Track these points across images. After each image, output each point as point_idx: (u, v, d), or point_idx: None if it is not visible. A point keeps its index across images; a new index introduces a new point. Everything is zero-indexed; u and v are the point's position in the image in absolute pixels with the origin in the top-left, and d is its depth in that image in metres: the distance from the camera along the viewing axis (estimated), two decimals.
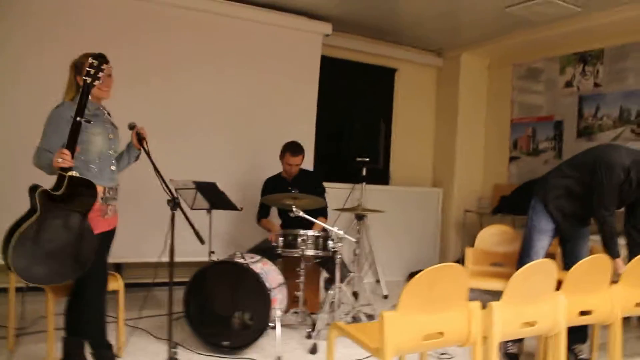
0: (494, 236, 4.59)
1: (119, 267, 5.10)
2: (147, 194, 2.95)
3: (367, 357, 3.45)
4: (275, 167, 5.19)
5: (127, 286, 5.10)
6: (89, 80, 2.70)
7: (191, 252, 4.31)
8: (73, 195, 2.67)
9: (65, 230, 2.67)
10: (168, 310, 2.93)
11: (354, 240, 4.16)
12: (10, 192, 3.39)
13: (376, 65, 6.70)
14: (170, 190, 2.92)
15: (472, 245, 6.35)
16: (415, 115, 6.99)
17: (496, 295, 2.63)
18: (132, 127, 3.09)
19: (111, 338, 3.35)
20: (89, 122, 2.77)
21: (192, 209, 4.20)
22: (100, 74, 2.74)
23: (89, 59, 2.72)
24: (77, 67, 2.89)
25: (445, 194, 6.79)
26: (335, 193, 5.96)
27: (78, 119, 2.66)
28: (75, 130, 2.66)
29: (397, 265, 6.43)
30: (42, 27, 4.51)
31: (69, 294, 3.02)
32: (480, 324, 2.49)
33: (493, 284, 4.15)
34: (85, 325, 3.01)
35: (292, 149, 4.56)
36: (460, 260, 6.22)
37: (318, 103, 5.89)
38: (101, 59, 2.74)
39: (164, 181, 2.93)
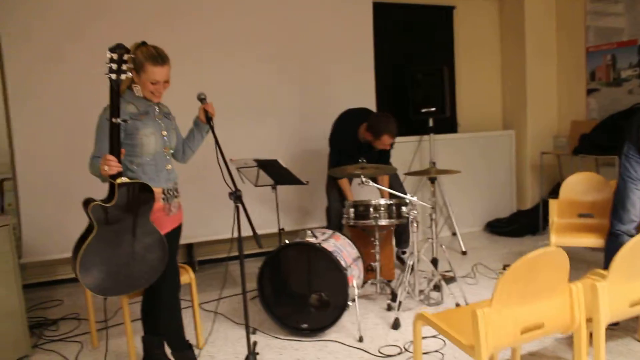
0: (580, 184, 4.23)
1: (190, 247, 5.09)
2: (213, 170, 2.75)
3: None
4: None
5: (200, 263, 5.18)
6: (113, 76, 2.47)
7: (260, 224, 4.29)
8: (130, 201, 2.52)
9: (129, 239, 2.55)
10: (243, 302, 2.80)
11: (429, 206, 3.92)
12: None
13: (432, 5, 6.23)
14: (233, 182, 2.73)
15: (552, 190, 6.05)
16: (478, 54, 6.50)
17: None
18: (201, 98, 2.85)
19: (190, 328, 3.32)
20: (125, 121, 2.59)
21: (256, 186, 4.07)
22: (125, 66, 2.49)
23: (107, 52, 2.46)
24: (135, 60, 2.63)
25: (518, 136, 6.36)
26: (403, 147, 5.71)
27: (113, 120, 2.47)
28: (113, 133, 2.47)
29: (472, 216, 6.16)
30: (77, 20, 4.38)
31: (143, 294, 2.96)
32: (584, 308, 2.24)
33: (584, 240, 3.86)
34: (163, 326, 2.95)
35: (393, 131, 4.19)
36: (540, 207, 5.91)
37: (374, 54, 5.54)
38: (120, 49, 2.48)
39: (228, 170, 2.73)
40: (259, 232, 2.64)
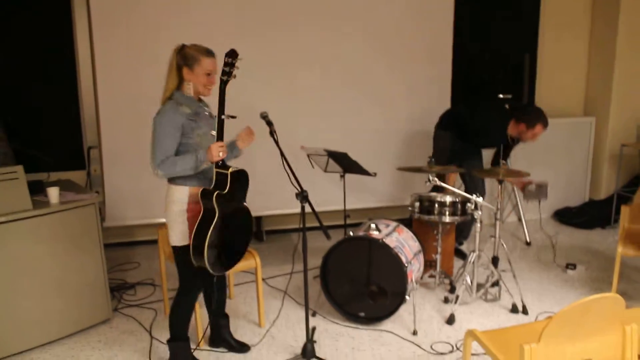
0: None
1: (258, 219, 5.31)
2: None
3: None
4: (414, 118, 5.00)
5: (267, 233, 5.41)
6: (225, 78, 2.69)
7: (325, 201, 4.48)
8: (235, 187, 2.76)
9: (236, 217, 2.84)
10: (305, 299, 2.98)
11: (492, 207, 3.93)
12: None
13: None
14: (299, 184, 2.88)
15: (628, 182, 5.84)
16: (566, 35, 6.20)
17: None
18: (263, 117, 2.98)
19: (253, 308, 3.55)
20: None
21: (325, 171, 4.19)
22: (234, 70, 2.69)
23: (225, 57, 2.67)
24: (185, 57, 2.75)
25: (599, 124, 6.12)
26: None
27: (222, 117, 2.70)
28: (221, 127, 2.71)
29: (542, 203, 6.06)
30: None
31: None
32: (637, 346, 2.26)
33: None
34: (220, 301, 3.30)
35: (546, 121, 4.27)
36: (614, 200, 5.74)
37: (454, 33, 5.44)
38: (234, 55, 2.67)
39: (294, 175, 2.87)
40: (326, 208, 2.78)
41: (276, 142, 2.94)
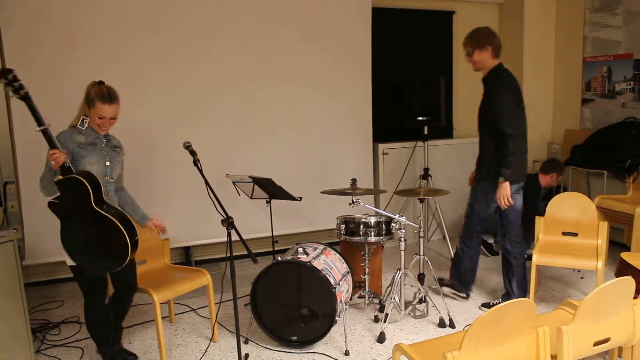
0: (566, 203, 4.36)
1: (187, 250, 5.25)
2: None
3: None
4: (337, 139, 5.09)
5: (197, 263, 5.34)
6: (16, 96, 2.77)
7: (254, 228, 4.45)
8: (72, 193, 2.91)
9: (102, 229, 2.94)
10: (235, 326, 2.97)
11: (416, 226, 4.06)
12: None
13: (431, 10, 6.29)
14: (224, 211, 2.90)
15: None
16: None
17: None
18: (186, 146, 3.09)
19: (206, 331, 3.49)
20: (85, 149, 3.02)
21: (251, 198, 4.21)
22: (17, 84, 2.74)
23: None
24: (88, 96, 3.07)
25: None
26: (398, 153, 5.85)
27: (39, 128, 2.80)
28: (46, 137, 2.81)
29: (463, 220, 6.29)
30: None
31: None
32: (549, 349, 2.40)
33: (562, 261, 4.00)
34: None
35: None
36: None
37: (372, 60, 5.62)
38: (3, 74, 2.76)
39: (219, 202, 2.90)
40: (256, 236, 2.80)
41: (200, 171, 2.97)
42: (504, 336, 2.27)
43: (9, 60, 4.22)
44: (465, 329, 3.85)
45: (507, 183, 3.78)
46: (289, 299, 3.61)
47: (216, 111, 4.94)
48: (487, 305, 4.21)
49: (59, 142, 2.88)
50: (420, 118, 5.59)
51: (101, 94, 3.03)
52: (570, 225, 4.32)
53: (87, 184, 2.84)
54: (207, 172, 3.03)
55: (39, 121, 2.78)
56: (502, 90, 3.81)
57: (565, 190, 5.93)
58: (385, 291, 4.32)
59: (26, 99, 2.77)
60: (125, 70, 4.52)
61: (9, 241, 3.33)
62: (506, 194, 3.78)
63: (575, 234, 4.28)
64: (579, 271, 4.98)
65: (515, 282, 4.02)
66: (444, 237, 5.91)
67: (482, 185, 4.06)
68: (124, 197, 3.41)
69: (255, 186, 4.04)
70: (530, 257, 4.02)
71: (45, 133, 2.79)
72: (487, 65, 3.96)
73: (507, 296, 4.08)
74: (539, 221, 4.39)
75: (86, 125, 3.07)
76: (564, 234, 4.32)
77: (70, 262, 3.03)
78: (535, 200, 5.13)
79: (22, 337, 3.41)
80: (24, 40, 4.29)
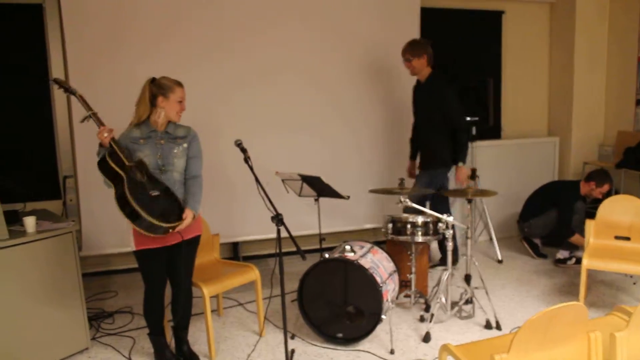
0: (617, 205, 4.28)
1: (235, 245, 5.35)
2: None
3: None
4: (385, 138, 5.08)
5: (245, 259, 5.45)
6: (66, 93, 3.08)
7: (301, 225, 4.54)
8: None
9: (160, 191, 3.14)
10: (283, 321, 3.04)
11: (464, 226, 4.05)
12: None
13: (481, 10, 6.24)
14: (274, 208, 2.96)
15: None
16: (527, 60, 6.50)
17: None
18: (237, 144, 3.17)
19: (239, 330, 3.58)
20: (137, 143, 3.13)
21: (299, 196, 4.28)
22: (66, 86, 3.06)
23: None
24: (160, 87, 3.13)
25: (562, 143, 6.36)
26: None
27: (88, 114, 3.01)
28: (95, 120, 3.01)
29: (512, 221, 6.23)
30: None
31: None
32: (601, 355, 2.37)
33: (613, 265, 3.93)
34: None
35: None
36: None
37: None
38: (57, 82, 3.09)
39: (269, 199, 2.96)
40: (302, 232, 2.84)
41: (251, 169, 3.03)
42: (554, 340, 2.26)
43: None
44: (513, 331, 3.84)
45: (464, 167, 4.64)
46: (336, 296, 3.66)
47: (260, 109, 5.05)
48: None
49: (120, 139, 3.06)
50: (468, 119, 5.54)
51: (173, 80, 3.16)
52: (623, 229, 4.23)
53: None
54: (255, 169, 3.08)
55: (87, 106, 2.99)
56: (452, 93, 4.59)
57: (617, 193, 5.80)
58: (432, 291, 4.32)
59: (73, 92, 3.04)
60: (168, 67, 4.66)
61: (68, 232, 3.49)
62: (466, 175, 4.65)
63: (628, 238, 4.19)
64: (631, 276, 4.86)
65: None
66: (491, 239, 5.85)
67: (429, 172, 4.75)
68: (188, 185, 3.26)
69: (304, 184, 4.10)
70: (579, 261, 3.97)
71: (94, 116, 2.98)
72: (424, 71, 4.68)
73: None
74: (590, 225, 4.32)
75: (158, 118, 3.16)
76: (617, 237, 4.24)
77: (133, 246, 3.18)
78: (568, 206, 5.07)
79: (80, 325, 3.57)
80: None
